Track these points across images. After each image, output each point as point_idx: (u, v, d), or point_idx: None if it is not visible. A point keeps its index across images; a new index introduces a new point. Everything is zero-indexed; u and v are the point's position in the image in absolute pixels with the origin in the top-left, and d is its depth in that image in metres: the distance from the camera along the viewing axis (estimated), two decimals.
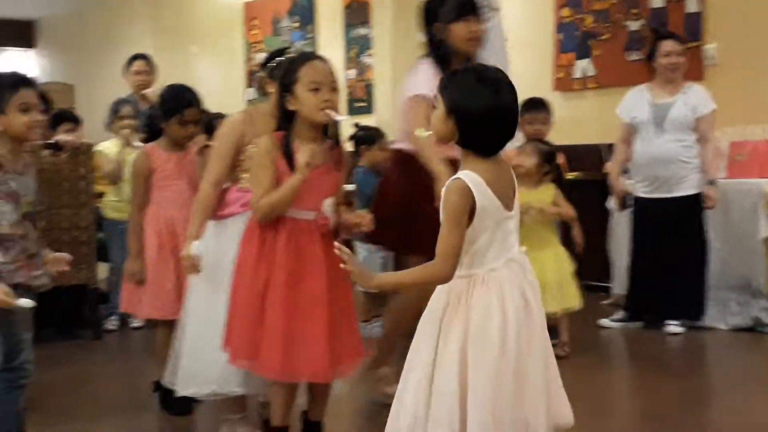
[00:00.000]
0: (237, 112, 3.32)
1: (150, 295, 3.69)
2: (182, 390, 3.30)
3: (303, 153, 2.77)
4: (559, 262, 4.53)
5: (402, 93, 3.71)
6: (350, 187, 5.03)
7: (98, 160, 5.60)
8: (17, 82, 2.89)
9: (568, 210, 4.57)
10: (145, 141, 3.93)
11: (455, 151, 2.47)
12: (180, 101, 3.70)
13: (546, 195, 4.58)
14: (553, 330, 4.64)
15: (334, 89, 2.86)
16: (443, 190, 2.31)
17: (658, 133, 5.08)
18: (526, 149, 4.62)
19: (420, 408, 2.30)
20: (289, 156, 2.83)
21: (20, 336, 2.90)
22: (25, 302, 2.79)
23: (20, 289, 2.83)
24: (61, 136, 5.34)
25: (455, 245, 2.27)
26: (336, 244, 2.43)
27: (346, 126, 3.79)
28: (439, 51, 3.69)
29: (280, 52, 3.30)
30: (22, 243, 2.85)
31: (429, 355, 2.32)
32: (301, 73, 2.83)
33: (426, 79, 3.53)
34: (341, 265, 2.37)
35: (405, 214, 3.59)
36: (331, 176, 2.94)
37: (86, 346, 5.14)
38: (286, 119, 2.89)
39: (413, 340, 2.40)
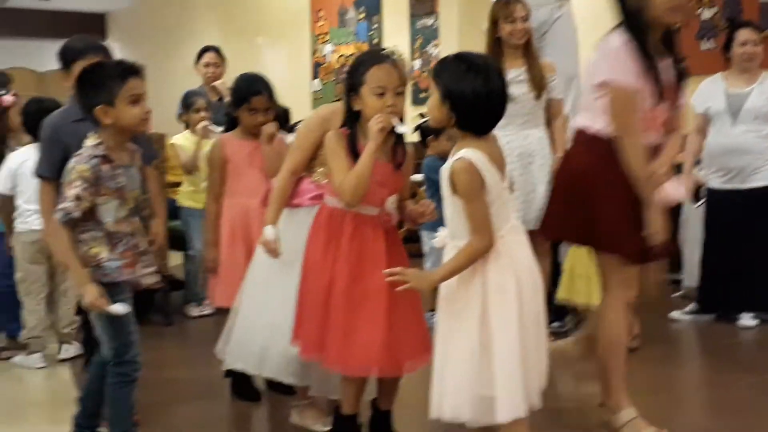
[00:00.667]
0: (325, 106, 3.32)
1: (222, 284, 3.74)
2: (231, 363, 3.44)
3: (375, 120, 2.76)
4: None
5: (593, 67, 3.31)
6: (417, 177, 5.04)
7: (172, 151, 5.70)
8: (125, 72, 2.82)
9: None
10: (225, 132, 3.97)
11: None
12: (249, 89, 3.73)
13: None
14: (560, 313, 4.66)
15: (400, 93, 2.84)
16: (450, 171, 2.55)
17: (733, 124, 4.98)
18: None
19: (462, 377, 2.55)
20: (354, 153, 2.85)
21: (131, 330, 2.91)
22: (118, 308, 2.80)
23: (127, 287, 2.87)
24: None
25: (485, 216, 2.54)
26: (384, 271, 2.66)
27: (412, 117, 3.77)
28: (636, 21, 3.17)
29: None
30: (130, 240, 2.85)
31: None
32: (368, 76, 2.81)
33: (622, 62, 3.12)
34: (398, 289, 2.63)
35: (589, 200, 3.16)
36: (396, 174, 2.93)
37: (158, 332, 5.23)
38: (352, 117, 2.90)
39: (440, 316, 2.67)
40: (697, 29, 6.47)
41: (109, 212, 2.81)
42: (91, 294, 2.75)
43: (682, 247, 5.84)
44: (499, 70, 2.61)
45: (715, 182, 5.09)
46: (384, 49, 3.00)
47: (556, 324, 4.89)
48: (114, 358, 2.89)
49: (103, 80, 2.80)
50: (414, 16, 8.66)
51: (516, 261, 2.60)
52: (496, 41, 4.59)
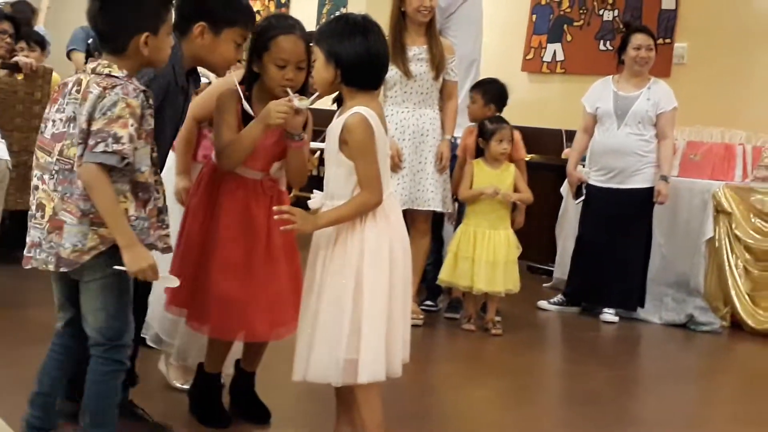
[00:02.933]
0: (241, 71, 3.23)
1: None
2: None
3: (276, 109, 2.70)
4: (510, 244, 4.58)
5: None
6: (318, 145, 5.00)
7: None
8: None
9: (526, 194, 4.61)
10: None
11: None
12: None
13: (507, 175, 4.61)
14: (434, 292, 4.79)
15: (301, 68, 2.81)
16: (343, 127, 2.56)
17: (619, 125, 5.13)
18: (503, 134, 4.58)
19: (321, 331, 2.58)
20: (244, 114, 2.81)
21: (129, 310, 2.48)
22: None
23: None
24: (21, 58, 5.22)
25: (377, 171, 2.58)
26: (274, 208, 2.58)
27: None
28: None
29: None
30: (155, 194, 2.43)
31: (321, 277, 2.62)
32: (272, 44, 2.77)
33: None
34: (281, 228, 2.55)
35: None
36: (285, 140, 2.88)
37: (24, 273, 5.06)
38: (250, 78, 2.87)
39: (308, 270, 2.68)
40: (598, 30, 6.61)
41: (144, 159, 2.38)
42: (147, 258, 2.33)
43: (557, 240, 6.02)
44: (379, 27, 2.66)
45: (596, 180, 5.24)
46: (291, 19, 2.95)
47: (428, 302, 4.97)
48: (110, 340, 2.40)
49: (149, 5, 2.41)
50: None
51: (392, 225, 2.65)
52: (401, 15, 4.57)
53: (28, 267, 2.42)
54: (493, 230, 4.56)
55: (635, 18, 6.32)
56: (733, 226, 5.10)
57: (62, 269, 2.35)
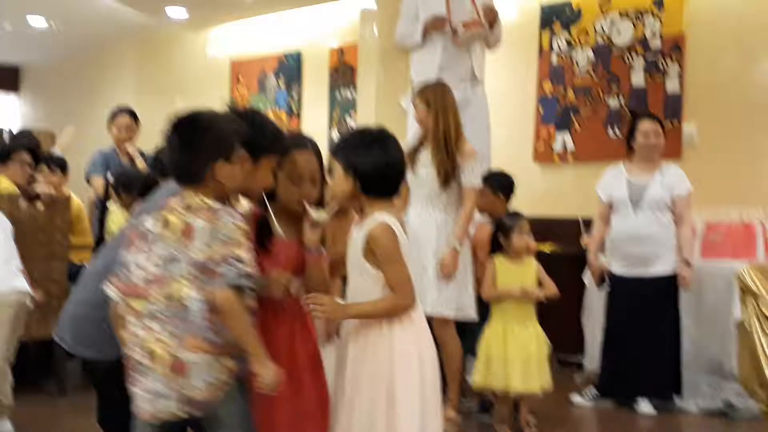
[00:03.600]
0: None
1: None
2: None
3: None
4: (539, 341, 4.48)
5: None
6: None
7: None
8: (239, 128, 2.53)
9: (552, 290, 4.53)
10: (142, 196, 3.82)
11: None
12: None
13: (529, 270, 4.56)
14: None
15: (315, 183, 2.82)
16: (368, 236, 2.62)
17: (635, 212, 5.12)
18: (523, 227, 4.57)
19: None
20: (261, 239, 2.76)
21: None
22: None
23: None
24: (41, 187, 5.31)
25: (408, 276, 2.63)
26: (304, 297, 2.64)
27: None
28: None
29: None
30: None
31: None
32: (286, 161, 2.78)
33: None
34: (312, 311, 2.62)
35: None
36: (302, 253, 2.87)
37: (51, 402, 5.04)
38: (266, 196, 2.85)
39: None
40: (605, 117, 6.68)
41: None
42: (277, 372, 2.36)
43: (584, 331, 5.95)
44: (394, 138, 2.76)
45: (618, 269, 5.20)
46: (303, 136, 2.99)
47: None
48: None
49: (223, 133, 2.49)
50: (333, 88, 8.75)
51: (418, 329, 2.69)
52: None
53: (155, 421, 2.33)
54: (522, 327, 4.46)
55: (641, 103, 6.39)
56: (762, 306, 5.02)
57: (196, 413, 2.30)
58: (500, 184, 5.00)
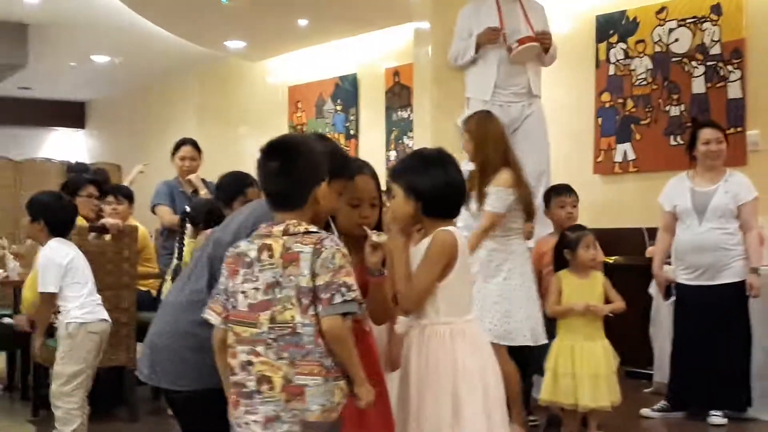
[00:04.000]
0: None
1: None
2: None
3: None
4: (608, 356, 4.41)
5: None
6: None
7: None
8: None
9: (619, 304, 4.46)
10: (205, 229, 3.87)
11: None
12: (241, 182, 3.73)
13: (596, 284, 4.50)
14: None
15: (374, 206, 2.81)
16: (433, 238, 2.68)
17: (700, 221, 5.04)
18: (588, 241, 4.53)
19: None
20: None
21: None
22: None
23: None
24: (108, 220, 5.44)
25: (425, 283, 2.69)
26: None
27: None
28: None
29: None
30: None
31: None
32: (347, 185, 2.78)
33: None
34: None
35: None
36: (365, 277, 2.89)
37: (123, 429, 5.13)
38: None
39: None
40: (666, 126, 6.59)
41: None
42: (373, 392, 2.44)
43: (652, 343, 5.85)
44: (453, 158, 2.81)
45: (685, 279, 5.12)
46: (360, 160, 3.02)
47: (531, 417, 4.86)
48: None
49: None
50: (389, 109, 8.81)
51: (481, 346, 2.73)
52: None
53: None
54: (591, 342, 4.39)
55: (702, 111, 6.29)
56: None
57: None
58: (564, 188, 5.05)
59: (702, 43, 6.40)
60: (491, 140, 4.57)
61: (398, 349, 3.02)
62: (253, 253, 2.41)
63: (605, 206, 6.73)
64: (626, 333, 5.12)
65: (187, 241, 5.33)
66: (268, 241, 2.40)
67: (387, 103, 8.83)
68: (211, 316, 2.46)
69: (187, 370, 2.63)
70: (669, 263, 5.31)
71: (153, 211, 6.27)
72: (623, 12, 6.88)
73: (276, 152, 2.48)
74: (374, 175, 2.90)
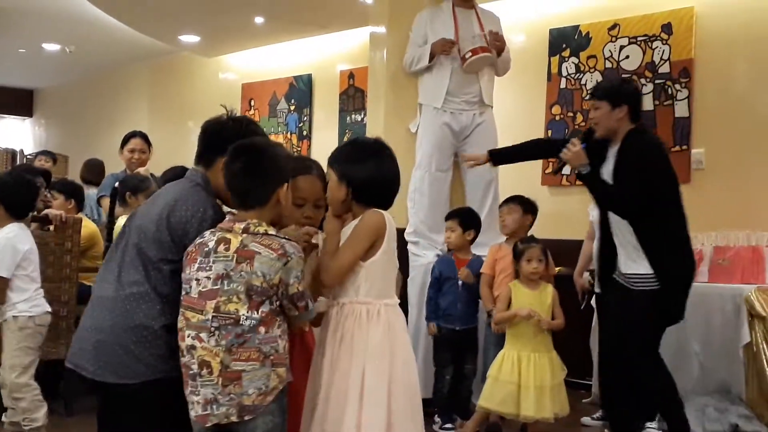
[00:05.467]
0: None
1: None
2: None
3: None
4: (555, 367, 4.47)
5: None
6: None
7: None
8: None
9: (558, 322, 4.52)
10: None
11: None
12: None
13: (545, 296, 4.56)
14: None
15: (319, 207, 2.89)
16: (361, 217, 2.69)
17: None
18: (531, 253, 4.58)
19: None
20: None
21: None
22: None
23: None
24: (51, 211, 5.35)
25: (347, 261, 2.67)
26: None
27: None
28: None
29: None
30: None
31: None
32: (291, 184, 2.82)
33: None
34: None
35: None
36: None
37: (60, 423, 5.06)
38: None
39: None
40: None
41: None
42: None
43: (592, 353, 5.92)
44: (390, 150, 2.82)
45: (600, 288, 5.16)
46: (309, 160, 3.04)
47: (447, 426, 4.90)
48: None
49: (284, 161, 2.73)
50: (343, 111, 8.81)
51: (394, 332, 2.71)
52: None
53: (209, 425, 2.49)
54: (538, 354, 4.44)
55: (650, 128, 6.38)
56: None
57: (246, 417, 2.46)
58: (531, 205, 5.17)
59: (652, 61, 6.51)
60: None
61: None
62: (212, 244, 2.55)
63: (552, 217, 6.79)
64: (568, 344, 5.18)
65: (121, 220, 5.23)
66: (227, 236, 2.55)
67: (341, 105, 8.83)
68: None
69: (134, 363, 2.67)
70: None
71: (98, 203, 6.20)
72: (576, 27, 6.98)
73: (243, 154, 2.63)
74: (322, 176, 2.93)
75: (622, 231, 4.26)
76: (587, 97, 6.81)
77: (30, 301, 4.25)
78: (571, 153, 4.31)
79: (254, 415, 2.46)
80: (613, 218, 4.33)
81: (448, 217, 5.17)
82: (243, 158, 2.61)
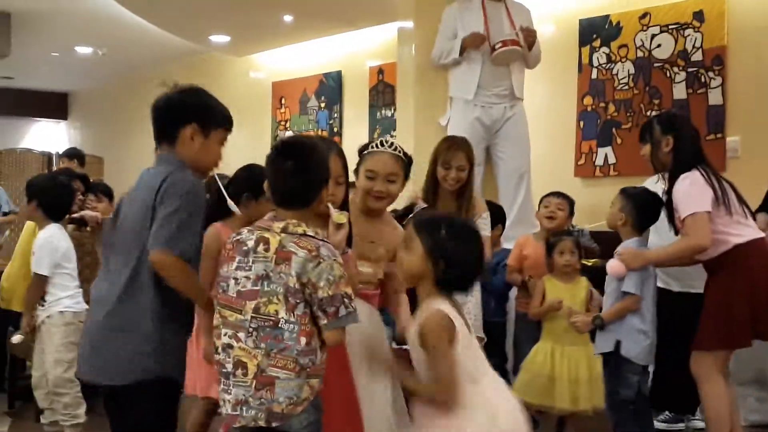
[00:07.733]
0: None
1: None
2: None
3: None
4: (591, 361, 4.37)
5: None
6: None
7: None
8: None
9: (585, 323, 4.27)
10: (213, 220, 3.79)
11: None
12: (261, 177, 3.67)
13: (579, 289, 4.50)
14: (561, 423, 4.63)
15: (340, 184, 2.92)
16: (421, 326, 2.52)
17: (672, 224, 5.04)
18: (563, 246, 4.55)
19: None
20: None
21: None
22: None
23: None
24: (87, 212, 5.43)
25: (448, 372, 2.48)
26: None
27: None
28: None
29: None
30: None
31: None
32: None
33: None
34: None
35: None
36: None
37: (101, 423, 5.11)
38: None
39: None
40: None
41: None
42: None
43: None
44: (478, 233, 2.69)
45: (660, 283, 5.11)
46: (328, 140, 3.09)
47: None
48: None
49: (327, 160, 2.65)
50: (373, 107, 8.82)
51: (496, 410, 2.56)
52: (433, 178, 4.26)
53: (237, 426, 2.45)
54: (572, 347, 4.36)
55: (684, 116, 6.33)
56: None
57: (273, 423, 2.41)
58: (570, 200, 5.11)
59: (684, 49, 6.44)
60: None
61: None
62: (251, 243, 2.48)
63: (585, 209, 6.75)
64: None
65: None
66: (266, 235, 2.48)
67: (371, 101, 8.84)
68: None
69: (123, 363, 2.67)
70: None
71: None
72: (606, 17, 6.92)
73: (291, 151, 2.55)
74: (341, 154, 2.97)
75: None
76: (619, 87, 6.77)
77: (73, 298, 4.40)
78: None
79: (282, 422, 2.41)
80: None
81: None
82: (293, 158, 2.51)
